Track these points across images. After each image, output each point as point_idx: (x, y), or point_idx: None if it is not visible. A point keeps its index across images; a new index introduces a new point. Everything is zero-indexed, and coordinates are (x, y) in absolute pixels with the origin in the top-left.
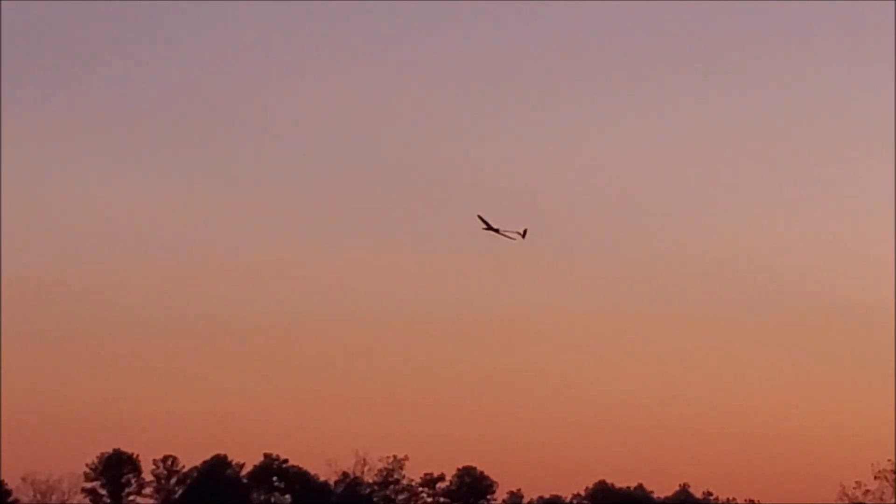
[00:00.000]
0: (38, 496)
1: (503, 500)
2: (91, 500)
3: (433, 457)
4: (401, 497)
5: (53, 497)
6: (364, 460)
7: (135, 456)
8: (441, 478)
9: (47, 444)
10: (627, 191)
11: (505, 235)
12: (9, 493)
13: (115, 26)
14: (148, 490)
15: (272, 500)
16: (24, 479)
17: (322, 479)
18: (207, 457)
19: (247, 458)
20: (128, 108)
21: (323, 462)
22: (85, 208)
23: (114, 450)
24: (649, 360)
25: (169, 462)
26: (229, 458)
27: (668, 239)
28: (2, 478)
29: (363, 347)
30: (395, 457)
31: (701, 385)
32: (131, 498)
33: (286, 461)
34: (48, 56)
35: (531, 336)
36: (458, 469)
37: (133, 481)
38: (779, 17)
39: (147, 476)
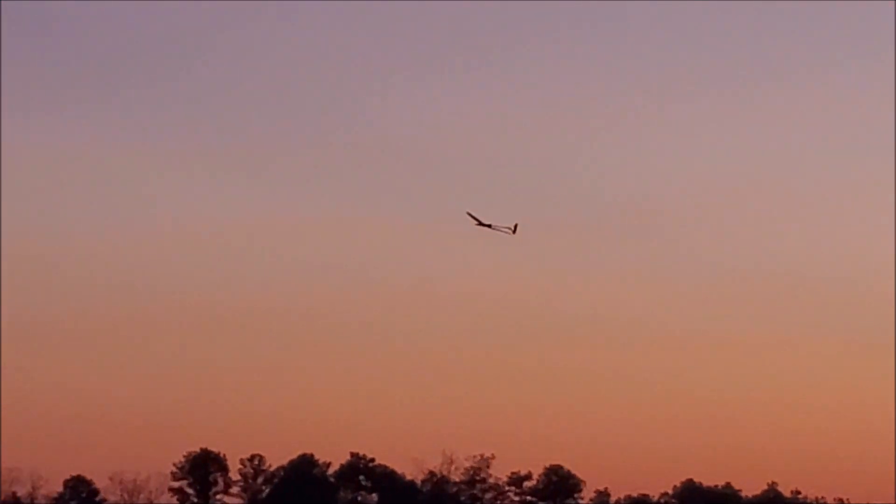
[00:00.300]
0: (126, 495)
1: (590, 499)
2: (178, 500)
3: (520, 455)
4: (487, 496)
5: (141, 496)
6: (451, 459)
7: (222, 455)
8: (528, 476)
9: (135, 443)
10: (733, 196)
11: (498, 230)
12: (97, 492)
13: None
14: (235, 489)
15: (359, 498)
16: (111, 479)
17: (409, 477)
18: (294, 456)
19: (333, 457)
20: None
21: (410, 461)
22: (183, 211)
23: (201, 449)
24: (738, 361)
25: (256, 461)
26: (316, 457)
27: (764, 246)
28: (90, 477)
29: (450, 347)
30: (482, 455)
31: (790, 384)
32: (218, 497)
33: (373, 460)
34: (166, 70)
35: (619, 336)
36: (546, 468)
37: (220, 480)
38: None
39: (234, 475)
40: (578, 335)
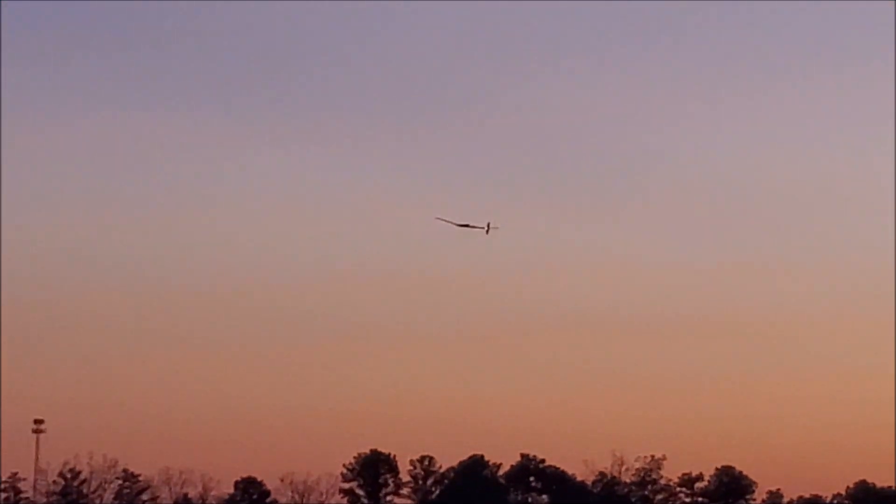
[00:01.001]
0: (297, 496)
1: (762, 500)
2: (349, 501)
3: (691, 456)
4: (659, 497)
5: (311, 497)
6: (621, 460)
7: (392, 456)
8: (699, 478)
9: (306, 444)
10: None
11: (476, 228)
12: (268, 493)
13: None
14: (405, 490)
15: (529, 500)
16: (282, 480)
17: (579, 479)
18: (465, 457)
19: (504, 459)
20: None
21: (580, 462)
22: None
23: (371, 450)
24: None
25: (426, 462)
26: (486, 458)
27: None
28: (261, 479)
29: (619, 350)
30: (652, 457)
31: None
32: (388, 498)
33: (543, 461)
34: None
35: (790, 339)
36: (717, 469)
37: (390, 481)
38: None
39: (404, 476)
40: (749, 340)
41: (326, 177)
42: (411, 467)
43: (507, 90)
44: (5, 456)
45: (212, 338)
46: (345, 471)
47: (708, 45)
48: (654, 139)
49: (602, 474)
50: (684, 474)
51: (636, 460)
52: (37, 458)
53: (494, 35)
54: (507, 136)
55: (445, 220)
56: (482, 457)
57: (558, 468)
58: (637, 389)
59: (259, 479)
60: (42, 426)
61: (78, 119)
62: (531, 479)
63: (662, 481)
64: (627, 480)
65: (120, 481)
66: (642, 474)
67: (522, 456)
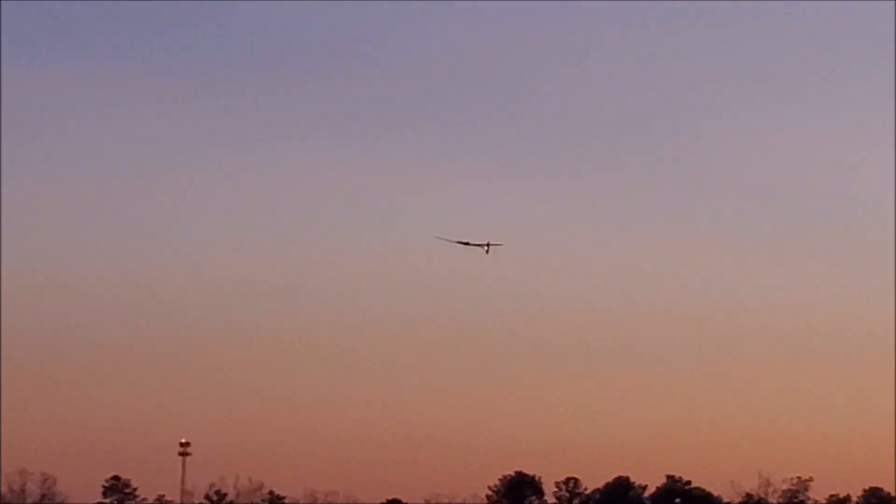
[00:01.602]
0: None
1: None
2: None
3: (839, 478)
4: None
5: None
6: (768, 481)
7: (537, 478)
8: (847, 499)
9: (450, 466)
10: None
11: (477, 246)
12: None
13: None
14: None
15: None
16: (427, 502)
17: (725, 500)
18: (610, 478)
19: (650, 480)
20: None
21: (726, 483)
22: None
23: (516, 472)
24: None
25: (571, 484)
26: (632, 480)
27: None
28: (406, 500)
29: (763, 368)
30: (799, 478)
31: None
32: None
33: (689, 482)
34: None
35: None
36: (865, 490)
37: (535, 503)
38: None
39: (549, 498)
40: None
41: None
42: (556, 489)
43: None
44: (152, 478)
45: (355, 359)
46: (490, 493)
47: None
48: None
49: (748, 496)
50: (832, 495)
51: (783, 481)
52: (183, 481)
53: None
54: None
55: (446, 239)
56: (628, 478)
57: (704, 489)
58: (783, 409)
59: (404, 501)
60: (188, 448)
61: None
62: (677, 500)
63: (810, 502)
64: (774, 502)
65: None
66: (789, 495)
67: (668, 477)
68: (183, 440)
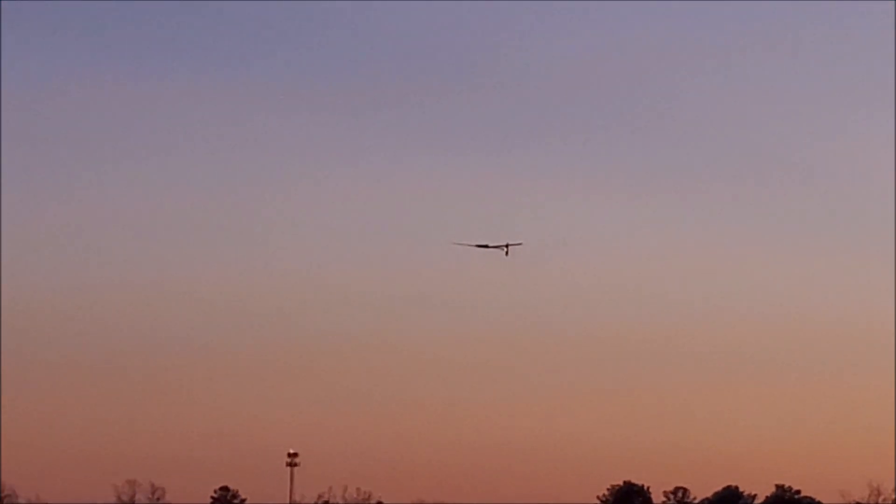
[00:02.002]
0: None
1: None
2: None
3: None
4: None
5: None
6: (878, 490)
7: (646, 487)
8: None
9: (559, 475)
10: None
11: (496, 248)
12: None
13: None
14: None
15: None
16: None
17: None
18: (719, 487)
19: (759, 489)
20: None
21: (836, 492)
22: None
23: (624, 482)
24: None
25: (680, 493)
26: (741, 489)
27: None
28: None
29: (873, 372)
30: None
31: None
32: None
33: (798, 492)
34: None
35: None
36: None
37: None
38: None
39: None
40: None
41: None
42: (665, 498)
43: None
44: (260, 488)
45: (464, 366)
46: (598, 502)
47: None
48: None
49: None
50: None
51: (894, 490)
52: (291, 491)
53: None
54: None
55: (462, 244)
56: (737, 487)
57: (813, 499)
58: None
59: None
60: (296, 459)
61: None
62: None
63: None
64: None
65: None
66: None
67: (777, 486)
68: (291, 450)
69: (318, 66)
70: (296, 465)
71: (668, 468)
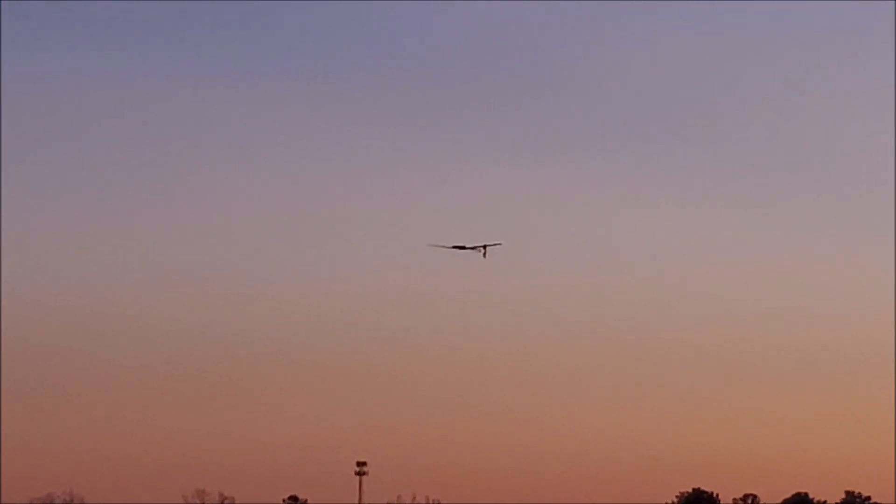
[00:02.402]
0: None
1: None
2: None
3: None
4: None
5: None
6: None
7: (715, 494)
8: None
9: (628, 482)
10: None
11: (472, 249)
12: None
13: None
14: None
15: None
16: None
17: None
18: (788, 494)
19: (828, 496)
20: None
21: None
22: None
23: (694, 489)
24: None
25: (749, 500)
26: (810, 496)
27: None
28: None
29: None
30: None
31: None
32: None
33: (868, 498)
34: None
35: None
36: None
37: None
38: None
39: None
40: None
41: None
42: None
43: None
44: (329, 497)
45: (532, 373)
46: None
47: None
48: None
49: None
50: None
51: None
52: (360, 499)
53: None
54: None
55: (439, 246)
56: (806, 494)
57: None
58: None
59: None
60: (365, 468)
61: None
62: None
63: None
64: None
65: None
66: None
67: (847, 493)
68: (360, 459)
69: (398, 69)
70: (364, 473)
71: (738, 474)
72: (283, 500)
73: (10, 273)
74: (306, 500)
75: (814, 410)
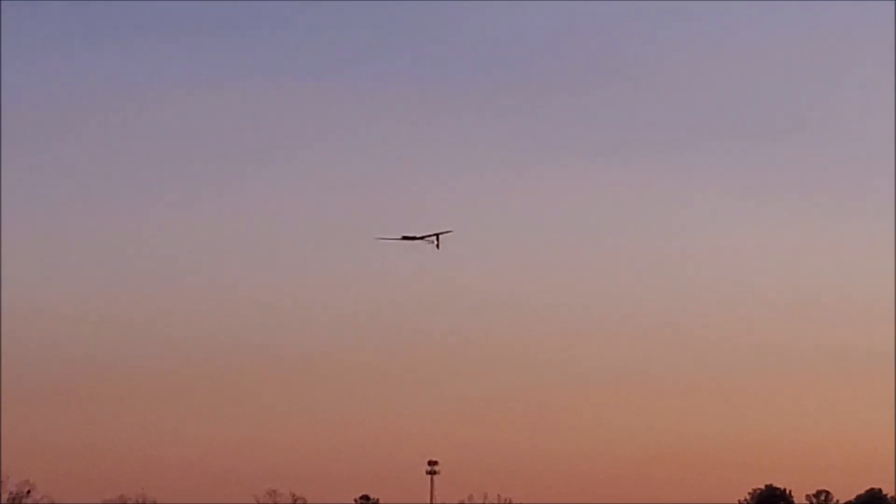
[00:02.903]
0: None
1: None
2: None
3: None
4: None
5: None
6: None
7: (787, 491)
8: None
9: (699, 479)
10: None
11: (420, 240)
12: None
13: None
14: None
15: None
16: None
17: None
18: (862, 490)
19: None
20: None
21: None
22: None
23: (766, 485)
24: None
25: (822, 496)
26: (884, 492)
27: None
28: None
29: None
30: None
31: None
32: None
33: None
34: None
35: None
36: None
37: None
38: None
39: None
40: None
41: None
42: (807, 502)
43: None
44: (400, 497)
45: (602, 369)
46: None
47: None
48: None
49: None
50: None
51: None
52: (431, 499)
53: None
54: None
55: (385, 239)
56: (880, 490)
57: None
58: None
59: None
60: (436, 467)
61: None
62: None
63: None
64: None
65: None
66: None
67: None
68: (431, 458)
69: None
70: (436, 472)
71: (811, 471)
72: (355, 500)
73: (75, 278)
74: (378, 500)
75: (888, 404)
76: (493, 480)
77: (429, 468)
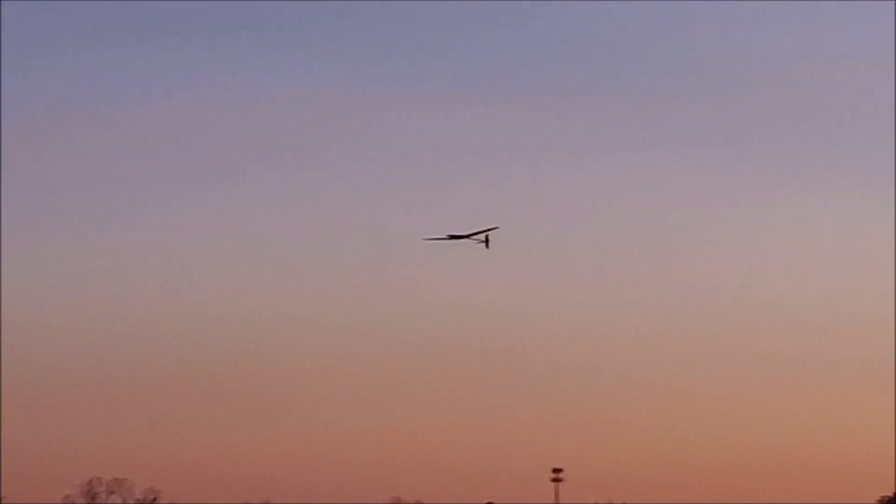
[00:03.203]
0: None
1: None
2: None
3: None
4: None
5: None
6: None
7: None
8: None
9: (829, 484)
10: None
11: (467, 238)
12: None
13: None
14: None
15: None
16: None
17: None
18: None
19: None
20: None
21: None
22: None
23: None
24: None
25: None
26: None
27: None
28: None
29: None
30: None
31: None
32: None
33: None
34: None
35: None
36: None
37: None
38: None
39: None
40: None
41: None
42: None
43: None
44: None
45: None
46: None
47: None
48: None
49: None
50: None
51: None
52: None
53: None
54: None
55: (432, 239)
56: None
57: None
58: None
59: None
60: (561, 475)
61: None
62: None
63: None
64: None
65: None
66: None
67: None
68: (556, 466)
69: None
70: (560, 480)
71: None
72: None
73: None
74: None
75: None
76: (618, 488)
77: (553, 475)
